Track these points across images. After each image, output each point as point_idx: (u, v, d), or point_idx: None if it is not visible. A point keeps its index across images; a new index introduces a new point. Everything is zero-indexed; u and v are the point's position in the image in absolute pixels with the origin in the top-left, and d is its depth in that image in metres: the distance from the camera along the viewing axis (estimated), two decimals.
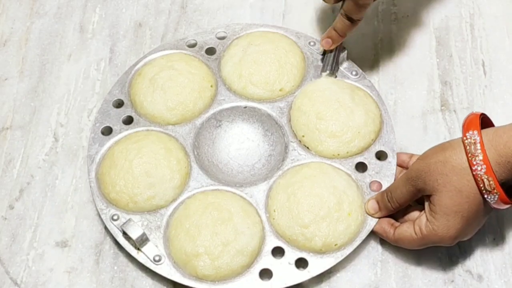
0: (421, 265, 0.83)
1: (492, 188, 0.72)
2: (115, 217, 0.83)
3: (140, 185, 0.84)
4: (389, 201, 0.81)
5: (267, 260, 0.81)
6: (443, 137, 0.92)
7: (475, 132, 0.73)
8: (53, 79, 0.99)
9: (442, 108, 0.95)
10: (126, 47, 1.01)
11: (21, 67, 1.00)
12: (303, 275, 0.80)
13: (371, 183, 0.85)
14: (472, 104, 0.95)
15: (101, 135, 0.89)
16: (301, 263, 0.81)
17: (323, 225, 0.81)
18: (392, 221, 0.83)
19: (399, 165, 0.87)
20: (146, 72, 0.93)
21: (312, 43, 0.97)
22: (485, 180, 0.72)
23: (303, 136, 0.89)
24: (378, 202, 0.83)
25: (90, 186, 0.85)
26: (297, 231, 0.81)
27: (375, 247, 0.84)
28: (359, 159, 0.87)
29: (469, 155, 0.73)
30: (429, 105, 0.95)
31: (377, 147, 0.88)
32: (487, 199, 0.74)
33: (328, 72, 0.92)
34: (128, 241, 0.82)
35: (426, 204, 0.78)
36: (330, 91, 0.90)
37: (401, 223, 0.82)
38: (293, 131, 0.89)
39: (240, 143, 0.91)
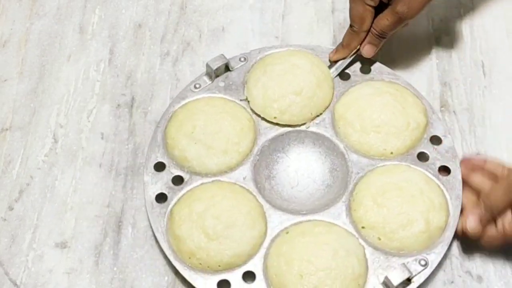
0: None
1: None
2: None
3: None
4: (491, 213, 0.78)
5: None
6: None
7: None
8: (52, 80, 0.99)
9: (442, 109, 0.95)
10: (126, 48, 1.01)
11: (20, 68, 1.00)
12: None
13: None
14: (471, 105, 0.95)
15: None
16: None
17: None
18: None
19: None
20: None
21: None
22: None
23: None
24: (480, 220, 0.79)
25: None
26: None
27: None
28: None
29: None
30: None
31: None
32: None
33: (335, 74, 0.93)
34: None
35: None
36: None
37: None
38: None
39: (296, 171, 0.89)
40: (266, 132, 0.89)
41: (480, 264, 0.83)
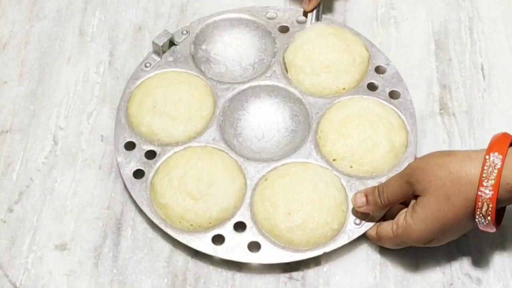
0: (420, 268, 0.83)
1: (488, 214, 0.72)
2: None
3: None
4: (379, 196, 0.80)
5: None
6: (442, 141, 0.92)
7: (500, 157, 0.71)
8: (52, 82, 0.99)
9: (441, 111, 0.95)
10: (126, 51, 1.01)
11: (20, 70, 1.00)
12: None
13: None
14: (471, 107, 0.95)
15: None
16: None
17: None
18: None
19: None
20: None
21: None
22: (485, 205, 0.72)
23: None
24: (366, 196, 0.82)
25: None
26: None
27: (374, 251, 0.84)
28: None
29: (484, 175, 0.71)
30: (428, 108, 0.95)
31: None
32: (477, 220, 0.73)
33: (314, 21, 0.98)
34: None
35: (411, 203, 0.77)
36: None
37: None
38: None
39: (259, 123, 0.93)
40: (223, 94, 0.93)
41: (480, 267, 0.83)
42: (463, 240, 0.84)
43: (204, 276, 0.83)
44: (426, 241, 0.77)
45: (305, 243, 0.82)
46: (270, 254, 0.82)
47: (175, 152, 0.88)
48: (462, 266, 0.83)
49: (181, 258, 0.84)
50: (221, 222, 0.84)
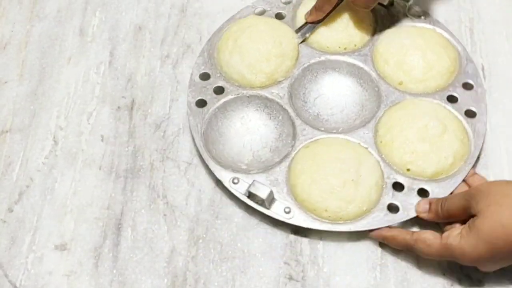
0: (420, 269, 0.83)
1: None
2: None
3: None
4: (440, 207, 0.81)
5: None
6: None
7: None
8: (52, 83, 0.99)
9: None
10: (126, 51, 1.01)
11: (20, 70, 1.00)
12: None
13: None
14: None
15: None
16: None
17: None
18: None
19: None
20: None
21: None
22: None
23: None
24: (430, 204, 0.83)
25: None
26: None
27: (374, 251, 0.84)
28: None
29: None
30: None
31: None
32: None
33: (300, 40, 0.97)
34: None
35: (469, 221, 0.77)
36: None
37: None
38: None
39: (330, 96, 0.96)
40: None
41: None
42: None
43: (204, 277, 0.83)
44: (473, 259, 0.77)
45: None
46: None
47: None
48: (463, 267, 0.83)
49: (181, 258, 0.85)
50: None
